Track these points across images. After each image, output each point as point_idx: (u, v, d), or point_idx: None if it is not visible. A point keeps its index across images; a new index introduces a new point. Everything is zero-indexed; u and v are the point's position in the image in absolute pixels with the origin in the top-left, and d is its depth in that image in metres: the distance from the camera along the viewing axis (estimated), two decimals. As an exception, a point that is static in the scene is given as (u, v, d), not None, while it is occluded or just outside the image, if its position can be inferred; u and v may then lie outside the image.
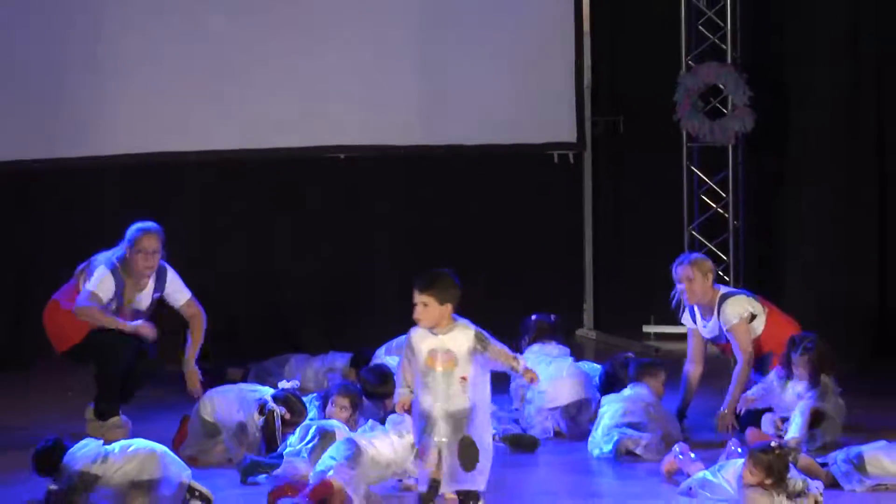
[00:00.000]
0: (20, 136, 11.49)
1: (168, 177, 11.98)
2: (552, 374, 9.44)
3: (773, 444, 7.67)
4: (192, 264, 11.31)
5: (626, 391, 9.19)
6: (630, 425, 8.84)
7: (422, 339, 7.28)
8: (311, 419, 8.85)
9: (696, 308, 9.54)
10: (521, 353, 9.72)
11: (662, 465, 8.28)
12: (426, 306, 7.21)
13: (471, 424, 7.20)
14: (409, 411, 7.35)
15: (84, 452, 7.89)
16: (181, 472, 7.84)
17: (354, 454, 7.94)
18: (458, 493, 7.25)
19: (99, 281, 9.37)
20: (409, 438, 7.92)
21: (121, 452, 7.85)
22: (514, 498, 8.05)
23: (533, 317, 10.12)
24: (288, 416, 8.63)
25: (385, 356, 10.21)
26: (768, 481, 7.52)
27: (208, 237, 12.13)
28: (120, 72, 11.61)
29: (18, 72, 11.47)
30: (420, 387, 7.26)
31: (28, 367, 11.45)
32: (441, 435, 7.17)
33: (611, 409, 9.03)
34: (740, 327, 9.25)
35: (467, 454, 7.16)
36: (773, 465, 7.53)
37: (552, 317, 10.16)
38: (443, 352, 7.21)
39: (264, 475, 8.30)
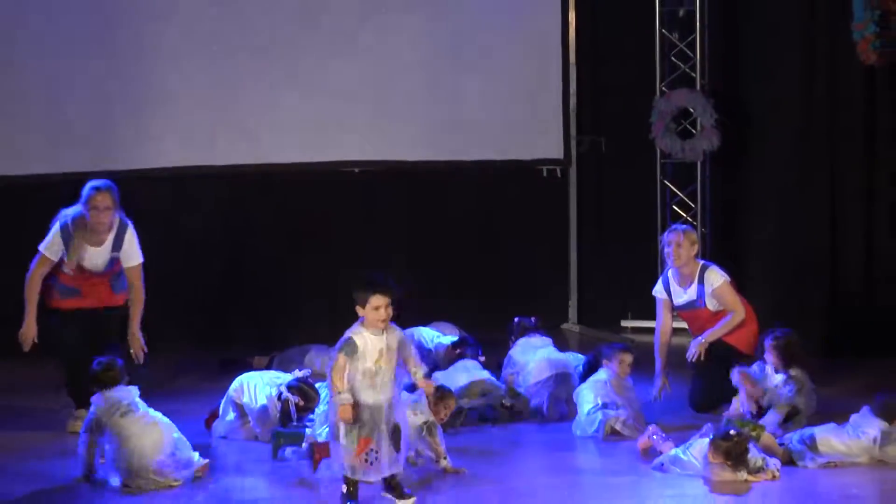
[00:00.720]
0: (60, 150, 11.57)
1: (198, 188, 12.03)
2: (535, 357, 9.64)
3: (731, 432, 7.75)
4: (223, 268, 11.73)
5: (596, 375, 9.21)
6: (606, 406, 8.87)
7: (369, 341, 7.17)
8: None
9: (671, 279, 9.58)
10: (509, 350, 10.00)
11: (638, 444, 8.34)
12: (389, 308, 7.19)
13: (396, 412, 7.27)
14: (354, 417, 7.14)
15: (116, 396, 7.91)
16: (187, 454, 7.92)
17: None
18: (393, 477, 7.34)
19: (49, 240, 8.98)
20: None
21: (142, 417, 7.84)
22: (502, 471, 8.12)
23: (515, 319, 10.23)
24: (301, 402, 8.51)
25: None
26: (728, 463, 7.68)
27: (238, 242, 12.17)
28: (153, 91, 11.68)
29: (73, 95, 11.57)
30: (363, 387, 7.16)
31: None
32: (382, 425, 7.17)
33: (586, 395, 9.05)
34: (725, 287, 9.37)
35: (398, 439, 7.24)
36: (730, 451, 7.67)
37: (532, 319, 10.23)
38: (387, 350, 7.21)
39: (291, 449, 8.35)
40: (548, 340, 10.14)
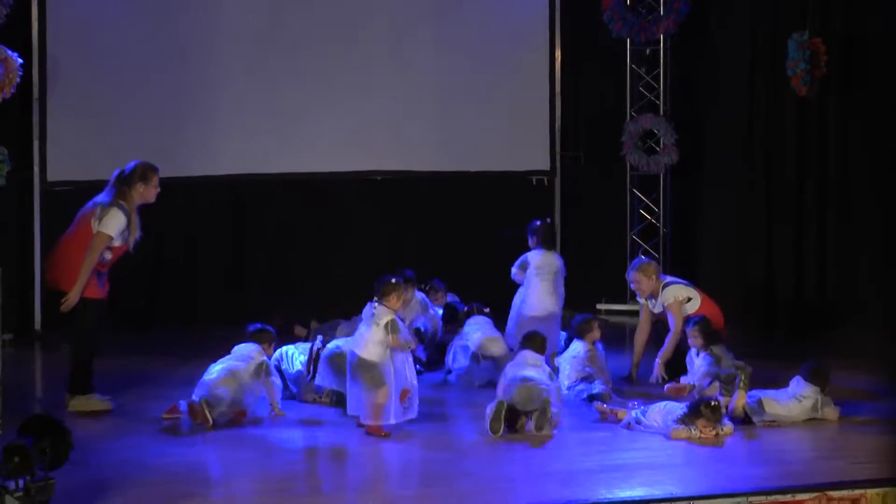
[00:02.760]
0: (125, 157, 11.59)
1: (250, 192, 11.98)
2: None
3: (714, 402, 7.74)
4: (270, 262, 11.72)
5: (570, 350, 9.17)
6: (584, 379, 8.86)
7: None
8: None
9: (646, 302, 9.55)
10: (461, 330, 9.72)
11: (596, 408, 8.33)
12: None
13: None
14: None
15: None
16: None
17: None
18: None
19: (114, 222, 8.16)
20: None
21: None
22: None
23: (547, 220, 10.34)
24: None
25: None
26: (705, 425, 7.66)
27: (280, 241, 12.11)
28: (220, 111, 11.69)
29: (139, 109, 11.48)
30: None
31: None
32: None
33: (565, 368, 9.01)
34: (673, 306, 9.20)
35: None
36: (710, 417, 7.69)
37: (486, 308, 9.98)
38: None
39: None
40: (489, 321, 9.80)
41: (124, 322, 10.85)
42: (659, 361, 9.25)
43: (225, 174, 11.83)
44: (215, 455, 7.57)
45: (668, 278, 9.50)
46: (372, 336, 7.77)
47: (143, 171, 8.36)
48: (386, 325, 7.76)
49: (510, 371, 8.19)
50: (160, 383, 9.24)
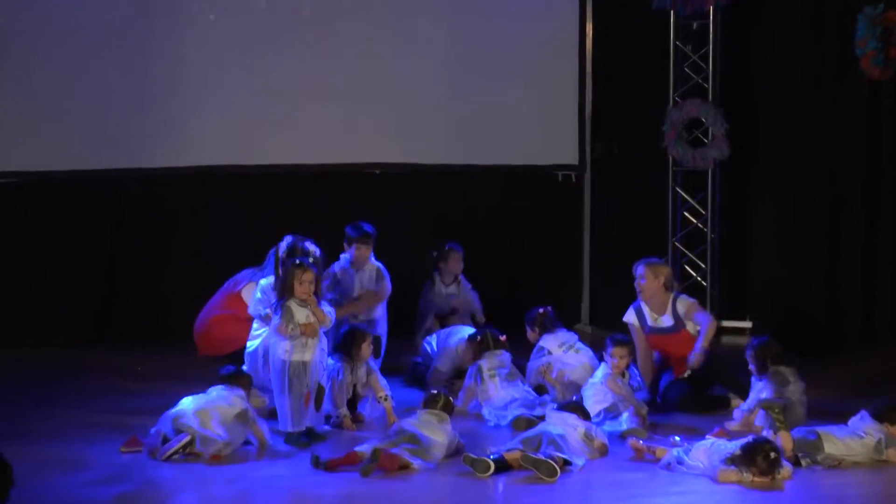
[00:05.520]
0: (106, 148, 11.76)
1: (234, 186, 12.18)
2: (592, 377, 9.52)
3: (769, 444, 7.88)
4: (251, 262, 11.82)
5: (593, 377, 9.39)
6: (607, 411, 9.06)
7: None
8: None
9: (644, 310, 10.00)
10: (536, 343, 10.15)
11: (630, 444, 8.48)
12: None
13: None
14: None
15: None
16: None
17: None
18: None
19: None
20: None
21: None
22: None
23: (540, 309, 10.32)
24: (285, 255, 9.17)
25: (435, 342, 10.61)
26: (759, 471, 7.78)
27: (261, 239, 11.62)
28: (192, 97, 11.89)
29: (108, 93, 11.72)
30: None
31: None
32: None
33: (588, 398, 9.19)
34: (695, 305, 9.94)
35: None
36: (767, 463, 7.79)
37: (549, 308, 10.35)
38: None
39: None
40: (574, 336, 10.30)
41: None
42: (698, 351, 9.64)
43: (193, 166, 11.99)
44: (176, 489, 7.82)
45: (675, 292, 10.07)
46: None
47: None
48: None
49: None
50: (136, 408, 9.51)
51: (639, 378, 9.77)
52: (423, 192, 12.52)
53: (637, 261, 10.17)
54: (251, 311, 9.22)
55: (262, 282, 9.24)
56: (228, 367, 8.96)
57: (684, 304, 9.97)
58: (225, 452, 8.37)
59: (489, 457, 8.00)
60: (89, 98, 11.80)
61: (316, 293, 8.76)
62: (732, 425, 9.02)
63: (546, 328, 10.22)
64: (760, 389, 9.06)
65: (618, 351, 9.41)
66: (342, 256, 10.49)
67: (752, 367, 9.24)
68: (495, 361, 9.82)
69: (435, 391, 8.92)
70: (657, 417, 9.41)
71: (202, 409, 8.43)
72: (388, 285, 10.46)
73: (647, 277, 9.97)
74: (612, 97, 12.86)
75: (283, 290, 8.75)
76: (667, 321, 9.95)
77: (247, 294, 9.60)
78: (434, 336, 10.81)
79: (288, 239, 9.37)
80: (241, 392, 8.68)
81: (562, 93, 12.59)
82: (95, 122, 11.76)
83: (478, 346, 9.96)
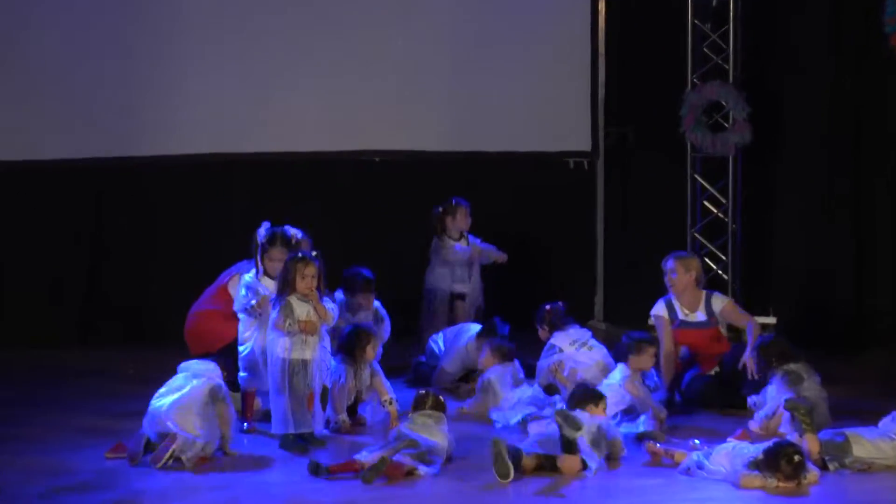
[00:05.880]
0: (89, 136, 11.84)
1: (226, 175, 12.27)
2: (608, 379, 9.50)
3: (793, 449, 7.86)
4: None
5: (610, 377, 9.40)
6: (624, 413, 9.09)
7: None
8: None
9: (675, 304, 10.12)
10: (548, 341, 10.15)
11: (646, 448, 8.47)
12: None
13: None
14: None
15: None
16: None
17: None
18: None
19: None
20: None
21: None
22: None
23: (548, 306, 10.34)
24: (266, 242, 9.10)
25: (441, 342, 10.68)
26: (784, 476, 7.77)
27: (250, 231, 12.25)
28: (181, 81, 11.95)
29: (91, 79, 11.82)
30: None
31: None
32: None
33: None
34: (731, 305, 10.08)
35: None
36: (792, 468, 7.78)
37: (560, 304, 10.40)
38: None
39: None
40: (586, 333, 10.28)
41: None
42: (749, 355, 9.62)
43: (182, 154, 12.03)
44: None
45: (706, 290, 10.26)
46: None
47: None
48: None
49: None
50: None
51: (656, 378, 9.79)
52: (425, 181, 12.44)
53: (666, 255, 10.25)
54: (236, 307, 9.13)
55: (247, 276, 9.14)
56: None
57: (720, 302, 10.11)
58: (208, 452, 8.30)
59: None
60: (70, 84, 11.84)
61: (319, 288, 8.68)
62: (755, 427, 8.99)
63: (556, 325, 10.22)
64: (774, 392, 9.03)
65: (650, 349, 9.47)
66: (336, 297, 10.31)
67: (756, 368, 9.35)
68: (504, 372, 9.85)
69: (423, 391, 8.91)
70: (677, 419, 9.40)
71: (181, 405, 8.35)
72: (387, 327, 10.41)
73: (679, 271, 10.08)
74: (627, 79, 12.85)
75: (284, 285, 8.68)
76: (700, 317, 10.08)
77: (232, 287, 9.51)
78: (441, 335, 10.81)
79: (266, 225, 9.24)
80: (213, 364, 8.64)
81: (573, 75, 12.57)
82: (77, 109, 11.81)
83: (499, 353, 9.96)
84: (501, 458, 7.88)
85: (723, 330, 10.14)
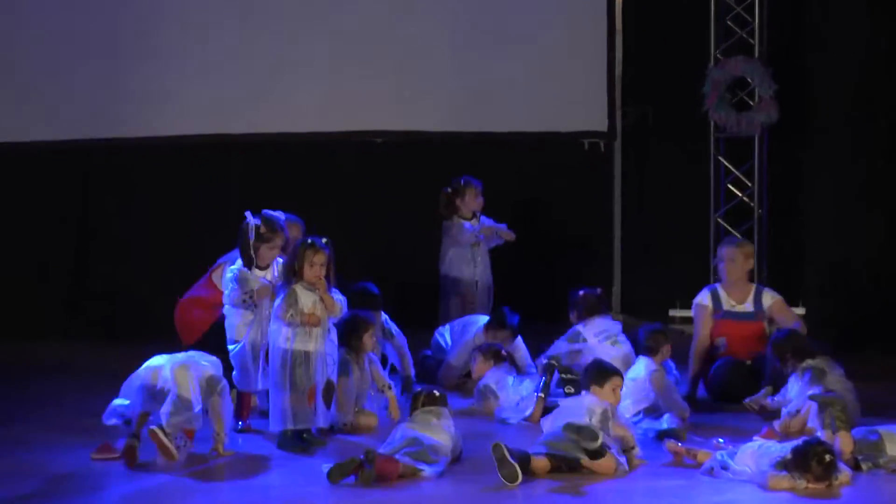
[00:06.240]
0: (77, 117, 11.87)
1: (219, 157, 12.28)
2: (630, 373, 9.39)
3: (823, 448, 7.76)
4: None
5: (634, 371, 9.32)
6: (647, 412, 9.06)
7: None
8: None
9: (721, 292, 10.06)
10: (574, 326, 10.21)
11: (667, 447, 8.39)
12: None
13: None
14: None
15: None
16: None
17: None
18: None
19: None
20: None
21: None
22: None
23: (581, 292, 10.39)
24: (263, 230, 8.84)
25: (448, 335, 10.64)
26: (814, 477, 7.68)
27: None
28: (176, 61, 12.02)
29: (76, 58, 11.86)
30: None
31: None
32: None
33: (623, 398, 8.93)
34: (781, 303, 10.06)
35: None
36: (823, 468, 7.67)
37: (597, 290, 10.47)
38: None
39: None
40: (617, 326, 10.31)
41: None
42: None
43: (173, 135, 12.00)
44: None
45: (756, 284, 10.28)
46: None
47: None
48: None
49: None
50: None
51: (676, 372, 9.81)
52: (429, 163, 12.41)
53: (725, 240, 10.29)
54: (226, 301, 9.02)
55: (232, 268, 9.05)
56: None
57: (771, 297, 10.09)
58: (194, 425, 8.21)
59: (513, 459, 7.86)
60: (54, 62, 11.87)
61: (328, 277, 8.57)
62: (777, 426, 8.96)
63: (587, 313, 10.23)
64: (796, 390, 9.00)
65: (665, 344, 9.45)
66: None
67: (774, 364, 9.31)
68: (499, 375, 9.85)
69: (418, 388, 8.89)
70: (700, 417, 9.36)
71: (182, 363, 8.34)
72: (401, 340, 10.37)
73: (738, 259, 10.05)
74: (646, 55, 12.87)
75: (290, 272, 8.58)
76: (748, 307, 10.07)
77: (217, 277, 9.45)
78: (447, 327, 10.80)
79: (249, 214, 9.12)
80: (217, 360, 8.54)
81: (588, 50, 12.58)
82: (61, 88, 11.82)
83: (490, 357, 9.98)
84: (506, 461, 7.79)
85: (767, 327, 10.07)
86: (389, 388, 9.26)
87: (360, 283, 10.20)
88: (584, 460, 7.98)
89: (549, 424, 8.36)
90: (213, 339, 9.12)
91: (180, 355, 8.48)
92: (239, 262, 9.07)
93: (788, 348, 9.22)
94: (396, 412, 9.08)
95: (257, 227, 8.83)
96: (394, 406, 9.16)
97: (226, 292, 8.99)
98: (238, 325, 9.00)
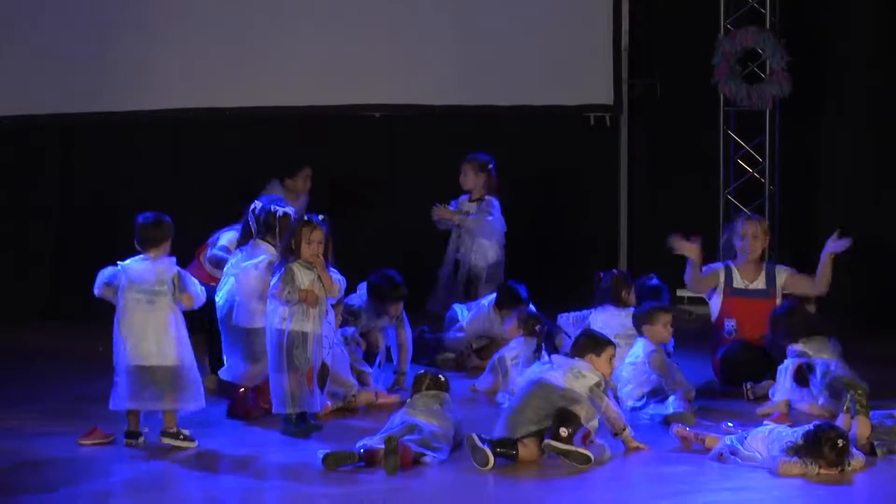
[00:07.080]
0: (65, 91, 11.85)
1: (211, 130, 12.28)
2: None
3: (836, 433, 7.79)
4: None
5: (632, 352, 9.35)
6: (650, 395, 9.07)
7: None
8: None
9: (734, 271, 10.13)
10: (590, 310, 10.21)
11: (674, 432, 8.43)
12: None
13: None
14: None
15: None
16: None
17: None
18: None
19: None
20: None
21: None
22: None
23: (614, 271, 10.52)
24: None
25: (466, 311, 10.76)
26: (827, 463, 7.74)
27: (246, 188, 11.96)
28: (162, 31, 11.97)
29: (67, 31, 11.83)
30: None
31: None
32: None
33: (622, 379, 9.20)
34: (795, 275, 10.13)
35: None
36: (837, 453, 7.74)
37: (634, 278, 10.52)
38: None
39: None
40: (626, 323, 10.08)
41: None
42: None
43: (161, 109, 12.03)
44: None
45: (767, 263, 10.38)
46: None
47: None
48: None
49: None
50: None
51: (671, 349, 9.76)
52: (429, 137, 12.51)
53: (745, 216, 10.38)
54: (272, 293, 8.86)
55: (228, 234, 9.16)
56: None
57: (784, 273, 10.16)
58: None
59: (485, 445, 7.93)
60: (35, 31, 11.79)
61: (325, 255, 8.64)
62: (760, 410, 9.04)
63: (601, 299, 10.22)
64: (785, 368, 9.06)
65: (663, 318, 9.44)
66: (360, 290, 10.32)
67: (774, 338, 9.37)
68: (524, 349, 9.78)
69: (421, 371, 8.85)
70: (708, 401, 9.39)
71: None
72: (409, 335, 10.36)
73: (759, 236, 10.15)
74: (653, 25, 12.94)
75: (288, 251, 8.66)
76: (758, 285, 10.12)
77: (204, 257, 9.64)
78: (465, 305, 10.87)
79: (264, 199, 9.24)
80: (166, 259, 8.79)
81: (593, 20, 12.63)
82: (43, 59, 11.77)
83: (525, 325, 9.91)
84: (477, 448, 7.87)
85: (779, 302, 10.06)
86: (403, 373, 9.56)
87: (385, 270, 10.21)
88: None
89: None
90: (201, 319, 9.29)
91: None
92: (232, 233, 9.19)
93: (798, 321, 9.31)
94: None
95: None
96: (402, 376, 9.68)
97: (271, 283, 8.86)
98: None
